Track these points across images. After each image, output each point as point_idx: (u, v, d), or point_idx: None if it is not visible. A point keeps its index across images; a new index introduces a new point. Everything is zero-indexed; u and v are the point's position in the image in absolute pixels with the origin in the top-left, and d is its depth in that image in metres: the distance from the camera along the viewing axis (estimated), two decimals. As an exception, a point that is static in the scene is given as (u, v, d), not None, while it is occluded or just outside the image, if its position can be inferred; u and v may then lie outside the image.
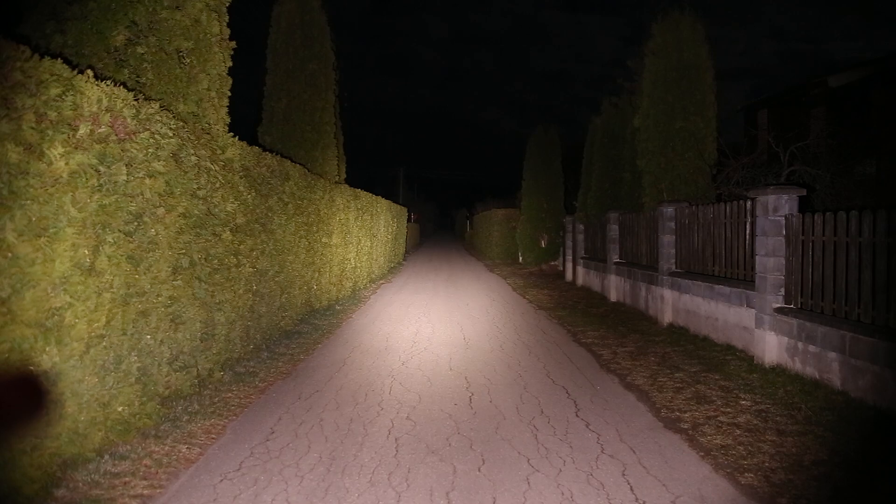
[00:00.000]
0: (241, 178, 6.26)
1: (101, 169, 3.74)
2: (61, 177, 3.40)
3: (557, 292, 14.32)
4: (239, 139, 6.32)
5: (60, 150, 3.38)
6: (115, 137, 3.89)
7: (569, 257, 17.62)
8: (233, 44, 6.23)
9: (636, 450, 4.22)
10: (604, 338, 8.42)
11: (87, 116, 3.60)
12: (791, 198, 6.53)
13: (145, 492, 3.50)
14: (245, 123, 10.42)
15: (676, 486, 3.64)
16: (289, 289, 8.23)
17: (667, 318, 9.41)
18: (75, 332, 3.53)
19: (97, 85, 3.71)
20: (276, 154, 7.83)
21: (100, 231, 3.77)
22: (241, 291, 6.24)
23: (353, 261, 13.09)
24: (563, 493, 3.55)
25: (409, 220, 30.62)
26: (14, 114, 3.13)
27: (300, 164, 9.49)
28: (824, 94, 17.35)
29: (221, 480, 3.68)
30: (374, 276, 16.43)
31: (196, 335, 5.22)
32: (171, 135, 4.58)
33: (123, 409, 4.10)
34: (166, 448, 4.11)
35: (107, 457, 3.82)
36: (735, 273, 7.65)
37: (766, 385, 5.76)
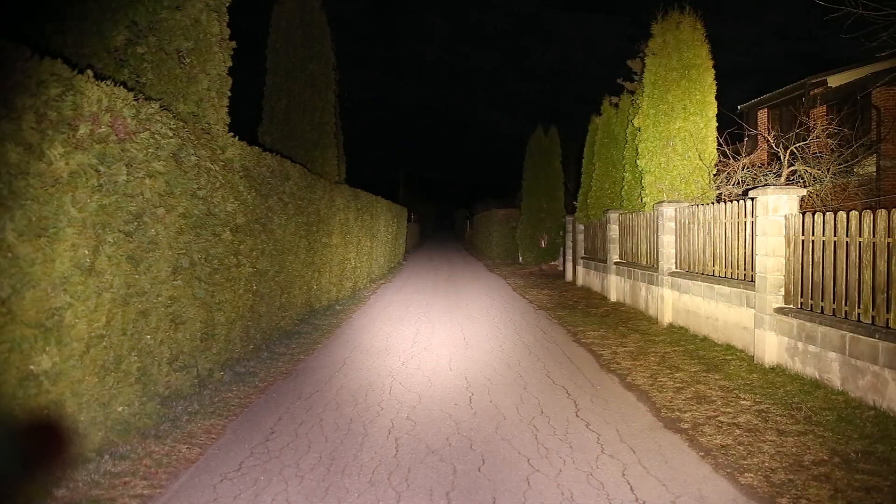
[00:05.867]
0: (241, 178, 6.26)
1: (101, 169, 3.74)
2: (61, 177, 3.40)
3: (557, 292, 14.32)
4: (239, 139, 6.32)
5: (60, 150, 3.39)
6: (115, 137, 3.89)
7: (569, 257, 17.62)
8: (233, 44, 6.23)
9: (636, 450, 4.21)
10: (604, 338, 8.41)
11: (88, 116, 3.60)
12: (791, 198, 6.53)
13: (145, 492, 3.51)
14: (245, 123, 10.43)
15: (676, 486, 3.64)
16: (289, 289, 8.23)
17: (667, 318, 9.41)
18: (75, 332, 3.54)
19: (97, 85, 3.71)
20: (276, 154, 7.83)
21: (100, 231, 3.77)
22: (241, 291, 6.24)
23: (353, 261, 13.09)
24: (563, 493, 3.55)
25: (409, 221, 30.62)
26: (14, 114, 3.13)
27: (300, 164, 9.49)
28: (825, 93, 17.34)
29: (221, 480, 3.68)
30: (374, 276, 16.43)
31: (196, 335, 5.22)
32: (171, 135, 4.58)
33: (123, 409, 4.11)
34: (166, 448, 4.11)
35: (107, 457, 3.82)
36: (735, 273, 7.65)
37: (767, 385, 5.76)
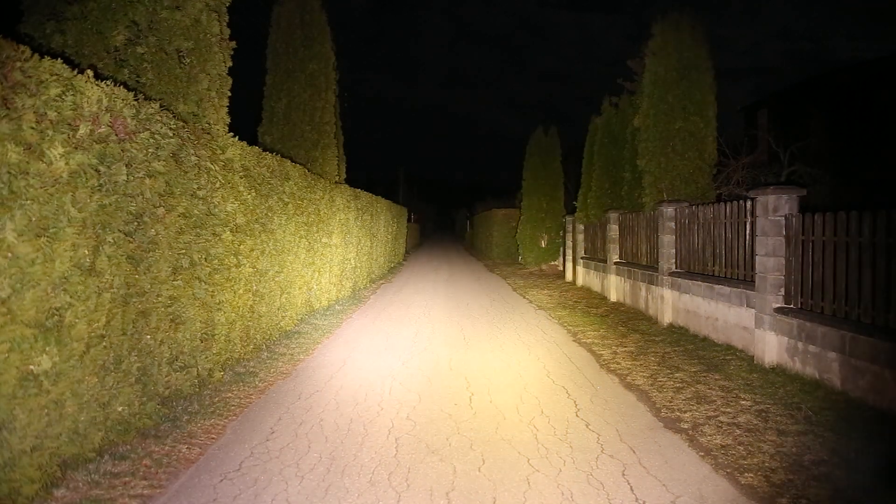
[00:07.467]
0: (241, 178, 6.26)
1: (102, 169, 3.74)
2: (61, 177, 3.40)
3: (557, 292, 14.32)
4: (239, 139, 6.32)
5: (60, 150, 3.38)
6: (115, 137, 3.89)
7: (569, 257, 17.62)
8: (233, 44, 6.23)
9: (636, 450, 4.22)
10: (604, 338, 8.41)
11: (88, 116, 3.60)
12: (791, 198, 6.53)
13: (145, 492, 3.51)
14: (245, 123, 10.42)
15: (676, 486, 3.64)
16: (289, 289, 8.22)
17: (667, 318, 9.41)
18: (75, 332, 3.53)
19: (97, 85, 3.71)
20: (276, 154, 7.83)
21: (100, 231, 3.77)
22: (241, 291, 6.24)
23: (353, 261, 13.09)
24: (563, 493, 3.55)
25: (409, 221, 30.62)
26: (14, 114, 3.13)
27: (300, 164, 9.49)
28: (825, 93, 17.33)
29: (221, 480, 3.68)
30: (374, 276, 16.43)
31: (196, 335, 5.22)
32: (171, 135, 4.58)
33: (123, 409, 4.11)
34: (166, 448, 4.11)
35: (107, 457, 3.82)
36: (735, 273, 7.65)
37: (767, 385, 5.76)
